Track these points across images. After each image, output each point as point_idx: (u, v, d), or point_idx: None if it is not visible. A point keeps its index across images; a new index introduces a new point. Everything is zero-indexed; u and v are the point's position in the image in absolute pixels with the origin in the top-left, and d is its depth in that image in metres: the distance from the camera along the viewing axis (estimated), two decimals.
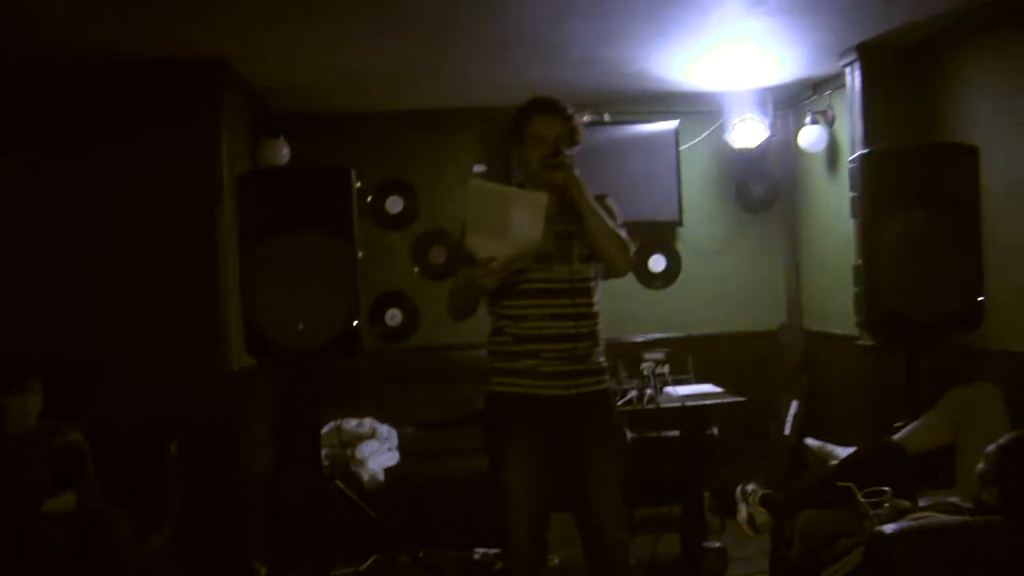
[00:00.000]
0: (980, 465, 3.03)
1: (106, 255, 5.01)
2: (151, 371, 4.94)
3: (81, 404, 4.64)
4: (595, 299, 3.39)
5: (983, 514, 2.97)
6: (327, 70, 5.52)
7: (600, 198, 3.37)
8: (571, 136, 3.34)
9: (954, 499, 3.35)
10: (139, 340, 4.99)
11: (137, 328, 5.00)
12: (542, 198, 3.11)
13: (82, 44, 4.73)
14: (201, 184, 5.04)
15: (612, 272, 3.39)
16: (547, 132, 3.28)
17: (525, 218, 3.09)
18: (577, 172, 3.23)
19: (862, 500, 3.31)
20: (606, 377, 3.43)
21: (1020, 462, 2.91)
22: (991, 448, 3.01)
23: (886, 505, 3.32)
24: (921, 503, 3.51)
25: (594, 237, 3.26)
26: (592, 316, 3.37)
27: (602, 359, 3.42)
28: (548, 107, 3.34)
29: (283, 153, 5.90)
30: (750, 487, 4.08)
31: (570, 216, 3.29)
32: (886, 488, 3.37)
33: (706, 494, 5.42)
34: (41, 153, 5.02)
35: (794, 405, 6.55)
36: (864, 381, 5.49)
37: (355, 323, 4.13)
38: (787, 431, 6.46)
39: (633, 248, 3.34)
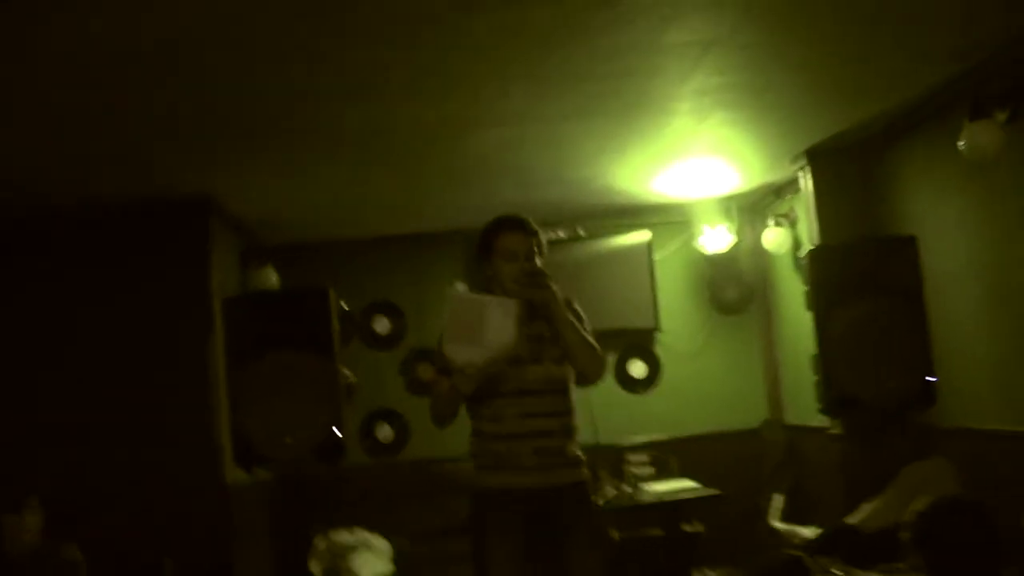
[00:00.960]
0: (903, 532, 3.22)
1: (103, 382, 5.29)
2: (150, 490, 5.14)
3: (82, 525, 4.80)
4: (569, 397, 3.58)
5: None
6: (309, 203, 5.87)
7: (567, 302, 3.58)
8: (539, 249, 3.58)
9: (901, 566, 3.52)
10: (136, 462, 5.19)
11: (134, 451, 5.20)
12: (514, 304, 3.35)
13: (74, 189, 5.07)
14: (192, 311, 5.33)
15: (587, 380, 3.60)
16: (517, 247, 3.51)
17: (499, 323, 3.30)
18: (556, 289, 3.45)
19: (811, 566, 3.48)
20: (584, 468, 3.59)
21: (934, 526, 3.10)
22: (911, 515, 3.20)
23: (837, 574, 3.49)
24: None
25: (571, 350, 3.47)
26: (566, 413, 3.55)
27: (579, 451, 3.58)
28: (515, 225, 3.57)
29: (272, 281, 6.17)
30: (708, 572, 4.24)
31: (540, 321, 3.50)
32: (836, 559, 3.53)
33: None
34: (39, 296, 5.36)
35: (778, 499, 6.67)
36: (836, 468, 5.66)
37: (338, 432, 4.34)
38: (773, 526, 6.57)
39: (604, 358, 3.55)
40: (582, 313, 3.63)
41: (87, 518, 4.93)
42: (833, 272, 4.78)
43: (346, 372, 6.57)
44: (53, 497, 4.68)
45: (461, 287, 3.43)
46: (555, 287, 3.45)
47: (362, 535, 6.07)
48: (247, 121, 4.38)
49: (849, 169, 5.76)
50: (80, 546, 4.57)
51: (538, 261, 3.53)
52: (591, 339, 3.51)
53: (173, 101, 4.00)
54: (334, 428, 4.36)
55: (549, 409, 3.49)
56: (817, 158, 5.76)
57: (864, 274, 4.72)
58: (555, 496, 3.46)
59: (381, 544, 6.10)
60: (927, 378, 4.60)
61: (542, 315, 3.50)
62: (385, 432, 6.87)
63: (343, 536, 5.99)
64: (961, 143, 4.25)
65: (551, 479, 3.45)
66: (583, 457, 3.60)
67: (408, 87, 4.10)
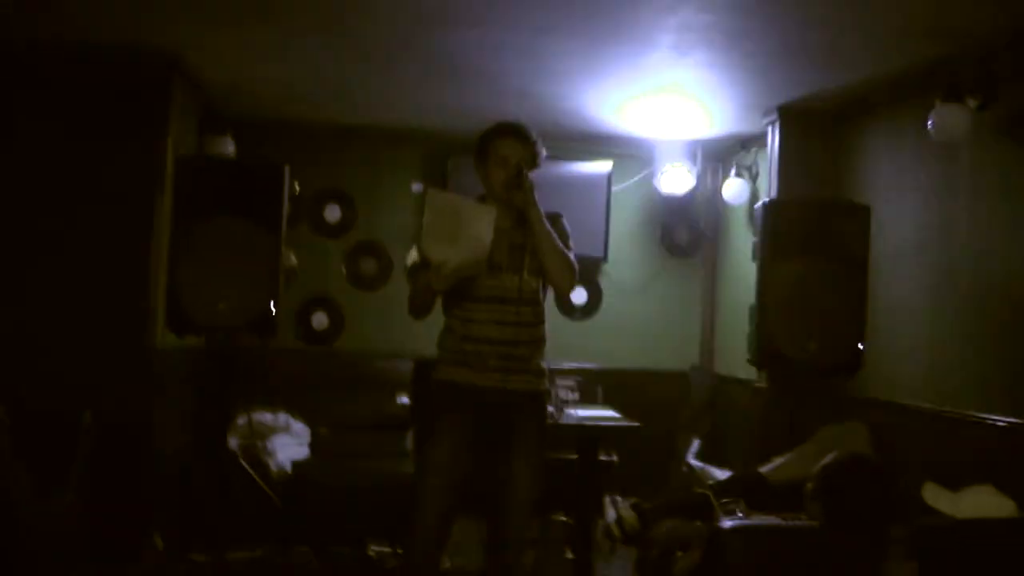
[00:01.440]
0: (808, 483, 3.34)
1: (41, 232, 5.19)
2: (78, 344, 5.10)
3: (10, 372, 4.79)
4: (541, 309, 3.68)
5: None
6: (272, 76, 5.76)
7: (555, 218, 3.67)
8: (533, 160, 3.62)
9: (802, 516, 3.63)
10: (68, 316, 5.15)
11: (67, 304, 5.15)
12: (491, 211, 3.44)
13: (33, 29, 4.90)
14: (145, 168, 5.23)
15: (557, 290, 3.69)
16: (511, 153, 3.56)
17: (476, 228, 3.39)
18: (535, 195, 3.52)
19: (716, 506, 3.59)
20: (544, 381, 3.71)
21: (837, 479, 3.23)
22: (817, 468, 3.32)
23: (740, 515, 3.60)
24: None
25: (543, 256, 3.54)
26: (536, 324, 3.65)
27: (543, 363, 3.70)
28: (512, 131, 3.63)
29: (229, 151, 6.09)
30: (619, 497, 4.35)
31: (524, 230, 3.56)
32: (740, 500, 3.64)
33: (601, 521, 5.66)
34: None
35: (696, 443, 6.82)
36: (756, 419, 5.79)
37: (272, 307, 4.34)
38: (685, 468, 6.72)
39: (578, 271, 3.63)
40: (566, 230, 3.70)
41: (15, 365, 4.90)
42: (784, 227, 4.83)
43: (289, 254, 6.59)
44: None
45: (418, 189, 3.50)
46: (535, 195, 3.49)
47: (283, 417, 6.13)
48: None
49: (817, 131, 5.80)
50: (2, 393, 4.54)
51: (529, 171, 3.56)
52: (568, 254, 3.58)
53: None
54: (270, 304, 4.34)
55: (521, 319, 3.57)
56: (788, 115, 5.79)
57: (814, 234, 4.77)
58: (511, 400, 3.57)
59: (301, 429, 6.17)
60: (857, 345, 4.69)
61: (527, 225, 3.54)
62: (320, 320, 6.87)
63: (265, 416, 6.05)
64: (930, 123, 4.31)
65: (510, 384, 3.55)
66: (545, 371, 3.70)
67: None
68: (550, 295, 3.75)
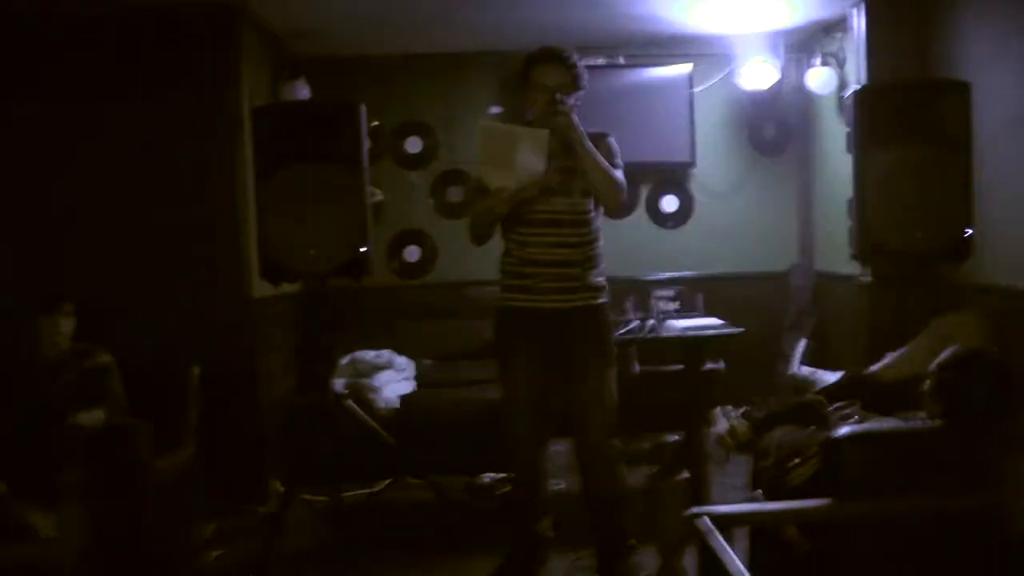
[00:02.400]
0: (926, 382, 3.22)
1: (131, 190, 5.28)
2: (177, 299, 5.22)
3: (112, 331, 4.87)
4: (593, 228, 3.75)
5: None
6: (341, 12, 5.68)
7: (600, 137, 3.70)
8: (574, 83, 3.65)
9: (921, 415, 3.52)
10: (164, 272, 5.27)
11: (162, 260, 5.28)
12: (543, 135, 3.49)
13: None
14: (221, 120, 5.27)
15: (606, 208, 3.77)
16: (550, 80, 3.61)
17: (529, 153, 3.49)
18: (575, 118, 3.56)
19: (829, 411, 3.50)
20: (602, 295, 3.79)
21: (957, 376, 3.10)
22: (933, 365, 3.20)
23: (855, 418, 3.50)
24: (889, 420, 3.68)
25: (589, 178, 3.62)
26: (589, 243, 3.74)
27: (600, 279, 3.78)
28: (551, 56, 3.65)
29: (303, 94, 6.08)
30: (729, 407, 4.28)
31: (572, 154, 3.61)
32: (855, 402, 3.54)
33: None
34: (66, 95, 5.26)
35: (802, 343, 6.69)
36: (862, 316, 5.63)
37: (363, 249, 4.32)
38: (794, 369, 6.60)
39: (625, 188, 3.70)
40: (615, 147, 3.75)
41: (117, 324, 4.99)
42: (878, 114, 4.58)
43: (375, 190, 6.57)
44: (84, 302, 4.71)
45: (497, 112, 3.56)
46: (574, 118, 3.56)
47: (385, 354, 6.17)
48: None
49: (905, 9, 5.52)
50: (113, 352, 4.65)
51: (573, 96, 3.62)
52: (613, 172, 3.64)
53: None
54: (360, 245, 4.32)
55: (574, 240, 3.70)
56: None
57: (910, 118, 4.51)
58: (572, 315, 3.69)
59: (404, 363, 6.21)
60: (964, 230, 4.48)
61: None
62: (412, 253, 6.88)
63: (367, 354, 6.09)
64: None
65: (569, 302, 3.68)
66: (603, 285, 3.80)
67: None
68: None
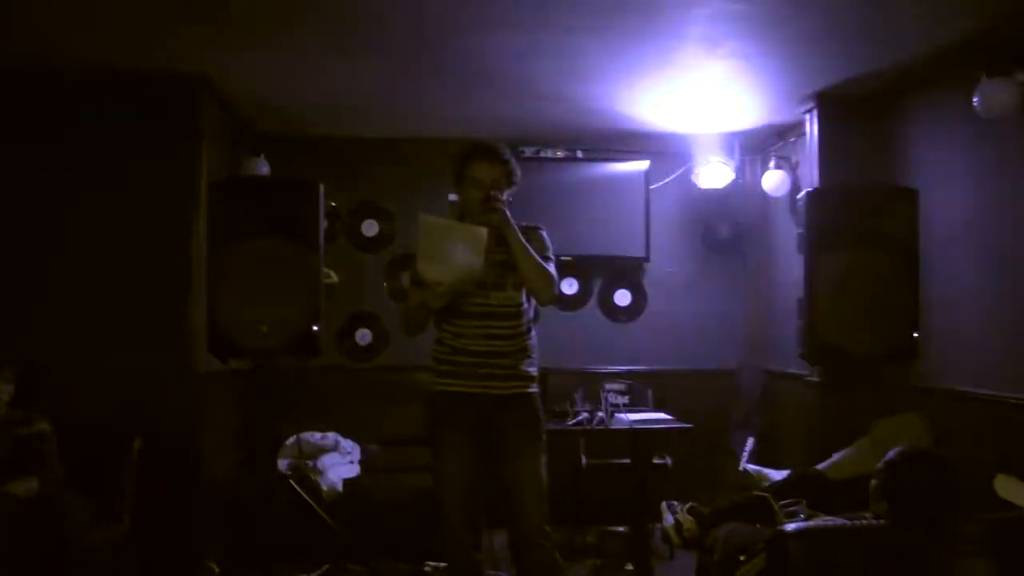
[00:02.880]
0: (872, 481, 3.24)
1: (80, 257, 5.21)
2: (121, 370, 5.09)
3: (51, 400, 4.77)
4: (526, 320, 3.81)
5: None
6: (304, 92, 5.74)
7: (532, 230, 3.78)
8: (508, 178, 3.74)
9: (868, 513, 3.52)
10: (110, 340, 5.15)
11: (109, 328, 5.17)
12: (482, 233, 3.55)
13: (62, 54, 4.91)
14: (179, 192, 5.23)
15: (538, 300, 3.82)
16: (484, 176, 3.68)
17: (467, 249, 3.53)
18: (507, 214, 3.63)
19: (777, 508, 3.49)
20: (534, 384, 3.82)
21: (902, 475, 3.13)
22: (880, 464, 3.22)
23: (801, 515, 3.50)
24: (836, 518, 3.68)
25: (522, 272, 3.67)
26: (522, 335, 3.79)
27: (532, 370, 3.81)
28: (485, 153, 3.73)
29: (263, 171, 6.09)
30: (675, 502, 4.27)
31: (506, 248, 3.67)
32: (801, 500, 3.54)
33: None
34: (15, 157, 5.22)
35: (750, 442, 6.71)
36: (811, 415, 5.67)
37: (314, 327, 4.30)
38: (742, 467, 6.60)
39: (556, 281, 3.75)
40: (547, 240, 3.81)
41: (58, 391, 4.90)
42: (829, 216, 4.71)
43: (329, 272, 6.56)
44: (24, 368, 4.62)
45: (454, 200, 3.61)
46: (507, 213, 3.61)
47: (331, 436, 6.10)
48: (251, 1, 4.28)
49: (857, 117, 5.67)
50: (51, 420, 4.55)
51: (506, 191, 3.70)
52: (545, 265, 3.69)
53: None
54: (312, 324, 4.30)
55: (508, 331, 3.73)
56: (826, 102, 5.67)
57: (861, 222, 4.64)
58: (503, 401, 3.70)
59: (350, 446, 6.13)
60: (912, 333, 4.55)
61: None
62: (364, 336, 6.83)
63: (313, 436, 6.02)
64: (976, 100, 4.18)
65: (498, 390, 3.70)
66: (535, 375, 3.83)
67: None
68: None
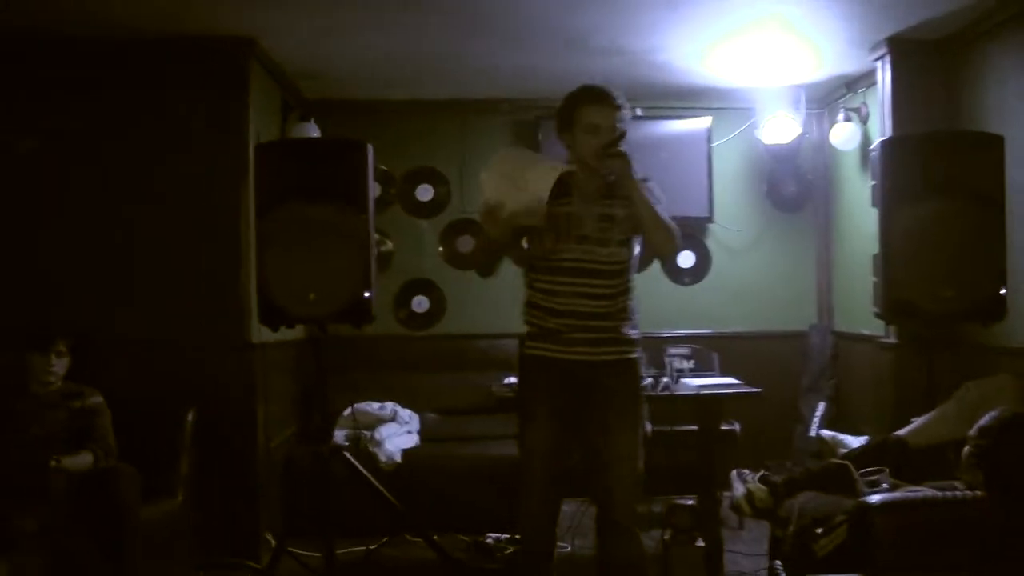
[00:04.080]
0: (965, 448, 3.00)
1: (132, 227, 5.11)
2: (175, 342, 5.02)
3: (106, 372, 4.70)
4: (627, 279, 3.52)
5: None
6: (354, 55, 5.58)
7: (642, 181, 3.46)
8: (622, 125, 3.44)
9: (958, 483, 3.29)
10: (164, 311, 5.07)
11: (161, 299, 5.08)
12: (557, 171, 3.31)
13: (108, 18, 4.79)
14: (227, 160, 5.10)
15: (661, 256, 3.59)
16: (601, 120, 3.41)
17: (538, 183, 3.28)
18: (632, 162, 3.35)
19: (857, 477, 3.28)
20: (635, 349, 3.54)
21: (999, 441, 2.88)
22: (973, 430, 2.98)
23: (884, 485, 3.28)
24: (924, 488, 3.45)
25: (646, 226, 3.40)
26: (623, 295, 3.50)
27: (633, 332, 3.53)
28: (599, 97, 3.45)
29: (313, 136, 5.96)
30: (746, 470, 4.07)
31: (613, 201, 3.43)
32: (884, 469, 3.32)
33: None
34: (69, 126, 5.11)
35: (820, 407, 6.48)
36: (887, 379, 5.40)
37: (366, 294, 4.15)
38: (812, 433, 6.38)
39: (679, 234, 3.47)
40: (658, 194, 3.50)
41: (111, 364, 4.82)
42: (906, 166, 4.41)
43: (384, 239, 6.43)
44: (77, 342, 4.54)
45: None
46: (632, 161, 3.34)
47: (389, 406, 5.98)
48: None
49: (933, 63, 5.36)
50: (106, 394, 4.48)
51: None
52: (668, 220, 3.42)
53: None
54: (363, 290, 4.15)
55: (606, 291, 3.46)
56: (898, 48, 5.35)
57: (940, 172, 4.35)
58: (602, 372, 3.44)
59: (408, 416, 6.01)
60: (998, 290, 4.27)
61: (618, 194, 3.42)
62: (421, 303, 6.70)
63: (370, 405, 5.91)
64: None
65: (600, 356, 3.44)
66: (637, 339, 3.55)
67: None
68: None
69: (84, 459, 4.22)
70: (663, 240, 3.41)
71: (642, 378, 3.62)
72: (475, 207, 6.31)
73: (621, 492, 3.42)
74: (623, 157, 3.33)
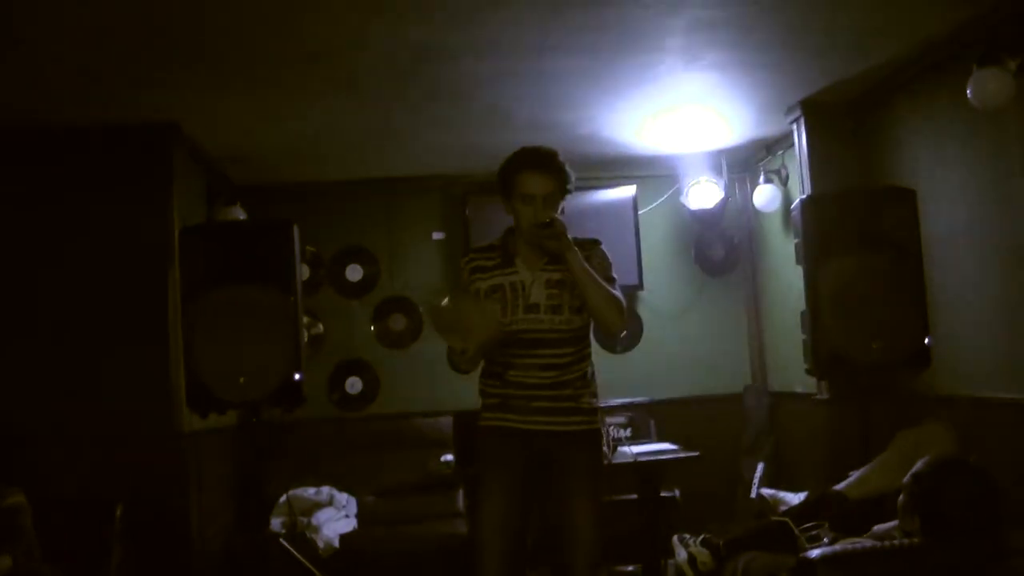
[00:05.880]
0: (900, 496, 3.01)
1: (53, 316, 5.00)
2: (101, 434, 4.88)
3: (28, 468, 4.56)
4: (584, 345, 3.40)
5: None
6: (279, 137, 5.59)
7: (591, 246, 3.39)
8: (563, 189, 3.34)
9: (894, 532, 3.30)
10: (88, 402, 4.93)
11: (86, 390, 4.95)
12: (493, 308, 3.25)
13: (31, 108, 4.76)
14: (151, 243, 5.05)
15: (606, 332, 3.53)
16: (536, 189, 3.27)
17: (481, 317, 3.21)
18: (568, 239, 3.23)
19: (798, 533, 3.27)
20: (596, 418, 3.43)
21: (933, 486, 2.89)
22: (907, 478, 2.99)
23: (824, 539, 3.28)
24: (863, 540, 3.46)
25: (589, 301, 3.26)
26: (579, 363, 3.38)
27: (593, 400, 3.42)
28: (535, 162, 3.33)
29: (239, 219, 5.91)
30: (687, 535, 4.04)
31: (559, 266, 3.29)
32: (823, 523, 3.32)
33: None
34: None
35: (760, 467, 6.49)
36: (823, 434, 5.45)
37: (296, 375, 4.09)
38: (754, 494, 6.38)
39: (625, 307, 3.35)
40: (607, 260, 3.41)
41: (31, 458, 4.69)
42: (826, 223, 4.52)
43: (314, 321, 6.37)
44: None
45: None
46: (567, 238, 3.23)
47: (325, 490, 5.87)
48: (218, 47, 4.13)
49: (846, 123, 5.53)
50: (28, 491, 4.31)
51: (562, 203, 3.32)
52: (611, 290, 3.30)
53: (139, 21, 3.76)
54: (293, 372, 4.09)
55: (565, 360, 3.33)
56: (812, 109, 5.50)
57: (859, 226, 4.45)
58: (561, 442, 3.32)
59: (345, 500, 5.90)
60: (923, 339, 4.35)
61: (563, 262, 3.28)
62: (355, 384, 6.62)
63: (306, 491, 5.79)
64: (969, 91, 4.01)
65: (560, 426, 3.31)
66: (597, 407, 3.44)
67: (378, 5, 3.81)
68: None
69: (4, 562, 4.05)
70: (607, 315, 3.28)
71: (602, 451, 3.50)
72: (409, 289, 6.44)
73: (583, 560, 3.28)
74: (556, 239, 3.21)
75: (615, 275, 3.38)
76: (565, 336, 3.31)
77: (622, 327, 3.39)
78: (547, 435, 3.30)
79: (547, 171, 3.31)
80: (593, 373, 3.44)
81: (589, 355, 3.42)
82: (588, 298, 3.24)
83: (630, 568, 4.59)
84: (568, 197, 3.37)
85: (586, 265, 3.25)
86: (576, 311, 3.32)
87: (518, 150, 3.40)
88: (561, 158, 3.36)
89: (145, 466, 4.85)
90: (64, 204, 5.08)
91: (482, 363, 3.44)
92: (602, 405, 6.12)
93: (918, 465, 3.04)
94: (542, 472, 3.34)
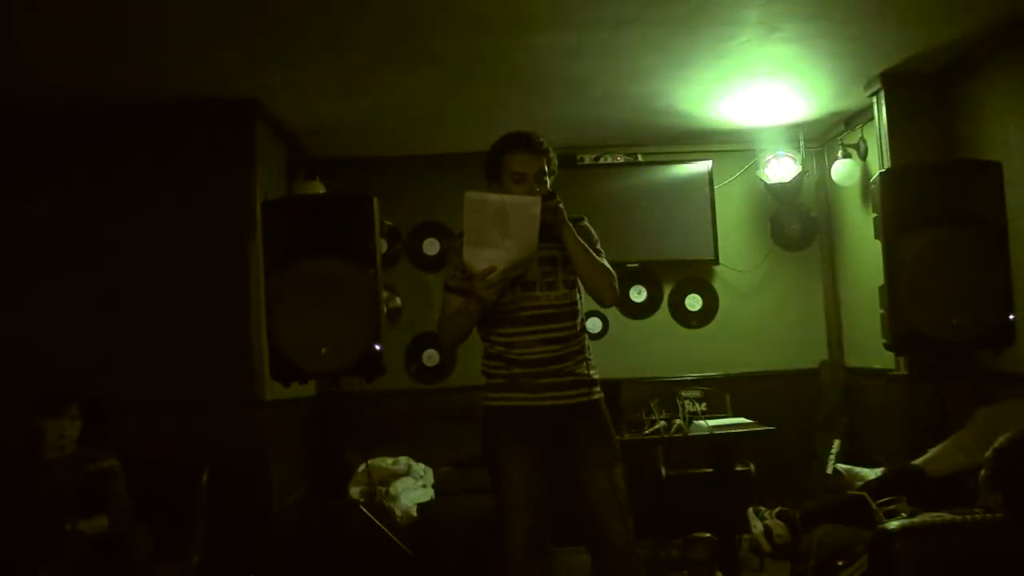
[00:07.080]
0: (982, 472, 2.98)
1: (140, 290, 5.15)
2: (187, 402, 5.04)
3: (119, 435, 4.70)
4: (580, 319, 3.52)
5: None
6: (358, 112, 5.66)
7: (576, 222, 3.49)
8: (549, 168, 3.47)
9: (976, 511, 3.27)
10: (175, 372, 5.10)
11: (172, 360, 5.11)
12: (536, 203, 3.23)
13: (116, 87, 4.91)
14: (234, 219, 5.17)
15: (600, 303, 3.55)
16: (527, 168, 3.40)
17: (521, 224, 3.19)
18: (562, 210, 3.35)
19: (875, 507, 3.26)
20: (598, 389, 3.52)
21: (1015, 463, 2.86)
22: (989, 453, 2.96)
23: (902, 514, 3.26)
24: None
25: (583, 274, 3.43)
26: (578, 335, 3.49)
27: (592, 371, 3.52)
28: (524, 144, 3.45)
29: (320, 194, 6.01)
30: (762, 508, 4.04)
31: (551, 244, 3.41)
32: (901, 498, 3.30)
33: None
34: (76, 193, 5.20)
35: (835, 444, 6.44)
36: (900, 411, 5.39)
37: (376, 346, 4.17)
38: (830, 469, 6.34)
39: (615, 276, 3.47)
40: (593, 233, 3.55)
41: (125, 426, 4.82)
42: (907, 196, 4.44)
43: (392, 295, 6.45)
44: (90, 405, 4.55)
45: (475, 192, 3.28)
46: (563, 209, 3.36)
47: (403, 460, 5.96)
48: (298, 21, 4.20)
49: (927, 96, 5.43)
50: (120, 456, 4.47)
51: (548, 181, 3.44)
52: (602, 261, 3.45)
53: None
54: (373, 342, 4.16)
55: (562, 334, 3.44)
56: (893, 82, 5.41)
57: (941, 200, 4.37)
58: (571, 412, 3.41)
59: (422, 470, 5.99)
60: (1007, 316, 4.27)
61: (554, 236, 3.39)
62: (432, 356, 6.70)
63: (384, 461, 5.89)
64: None
65: (563, 399, 3.41)
66: (597, 378, 3.53)
67: None
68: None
69: (99, 522, 4.20)
70: (600, 285, 3.43)
71: (608, 417, 3.54)
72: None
73: (612, 526, 3.33)
74: (555, 210, 3.32)
75: (601, 249, 3.51)
76: (563, 310, 3.44)
77: (615, 297, 3.48)
78: (554, 410, 3.39)
79: (535, 151, 3.44)
80: (587, 346, 3.54)
81: (585, 328, 3.54)
82: (583, 271, 3.40)
83: (706, 535, 4.59)
84: (552, 179, 3.48)
85: (580, 240, 3.39)
86: (569, 286, 3.45)
87: (505, 135, 3.53)
88: (544, 141, 3.48)
89: (228, 434, 5.00)
90: (148, 179, 5.22)
91: (484, 345, 3.57)
92: (679, 379, 6.28)
93: (1000, 440, 3.00)
94: (554, 446, 3.40)
